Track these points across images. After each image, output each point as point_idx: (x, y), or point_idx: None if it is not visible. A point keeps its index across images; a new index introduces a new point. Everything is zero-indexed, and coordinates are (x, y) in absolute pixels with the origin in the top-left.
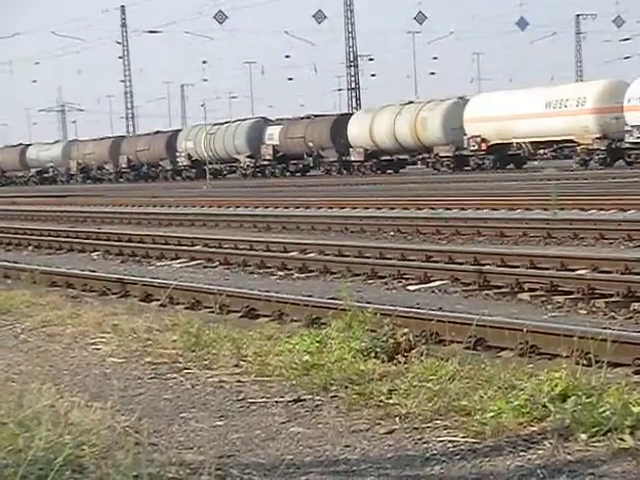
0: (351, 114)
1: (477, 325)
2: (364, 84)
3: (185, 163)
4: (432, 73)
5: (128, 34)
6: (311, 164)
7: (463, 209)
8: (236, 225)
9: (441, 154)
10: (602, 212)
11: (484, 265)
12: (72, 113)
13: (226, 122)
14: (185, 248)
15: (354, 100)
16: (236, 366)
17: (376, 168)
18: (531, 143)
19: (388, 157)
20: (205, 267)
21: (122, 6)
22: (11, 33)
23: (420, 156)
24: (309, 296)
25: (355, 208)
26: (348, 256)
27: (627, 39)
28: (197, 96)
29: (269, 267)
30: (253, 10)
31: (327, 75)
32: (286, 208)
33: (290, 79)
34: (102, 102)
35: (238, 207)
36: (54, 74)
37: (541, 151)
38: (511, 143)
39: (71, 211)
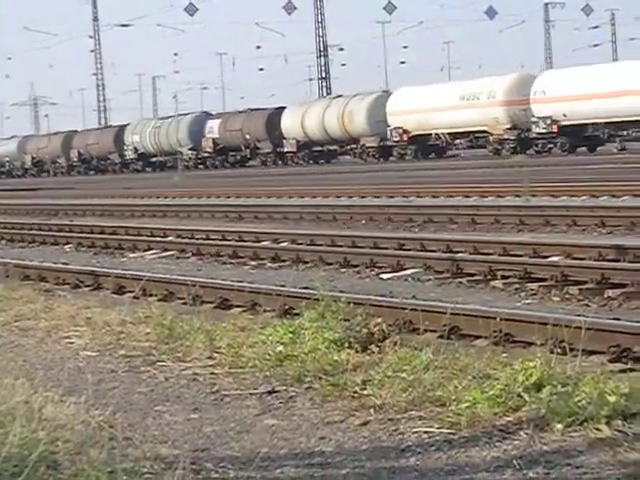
0: (285, 107)
1: (451, 314)
2: (335, 74)
3: (132, 156)
4: (402, 62)
5: (100, 28)
6: (248, 155)
7: (435, 197)
8: (208, 215)
9: (367, 145)
10: (574, 199)
11: (457, 253)
12: (45, 107)
13: (170, 116)
14: (158, 239)
15: (325, 90)
16: (210, 358)
17: (308, 158)
18: (449, 134)
19: (319, 148)
20: (178, 258)
21: (94, 0)
22: None
23: (348, 147)
24: (282, 286)
25: (327, 197)
26: (320, 245)
27: (596, 27)
28: (169, 88)
29: (242, 257)
30: (223, 2)
31: (298, 65)
32: (258, 198)
33: (261, 70)
34: (74, 96)
35: (209, 197)
36: (27, 69)
37: (457, 141)
38: (430, 134)
39: (43, 204)
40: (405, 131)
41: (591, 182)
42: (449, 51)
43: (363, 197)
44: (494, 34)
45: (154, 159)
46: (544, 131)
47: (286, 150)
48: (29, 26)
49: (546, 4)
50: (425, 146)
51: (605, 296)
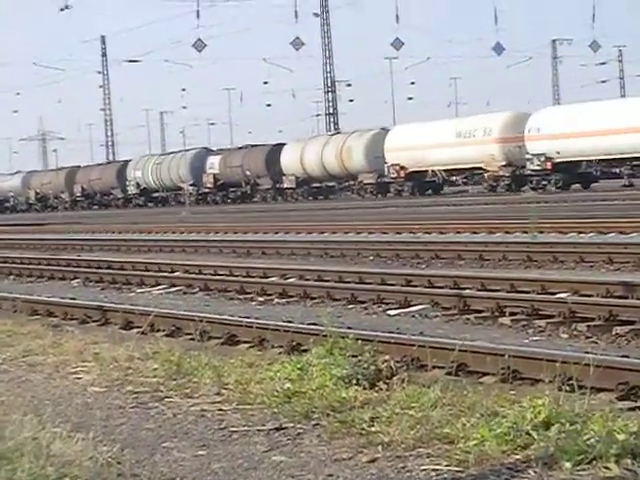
0: (284, 144)
1: (458, 350)
2: (342, 109)
3: (134, 191)
4: (410, 98)
5: (108, 63)
6: (248, 192)
7: (442, 233)
8: (215, 251)
9: (365, 181)
10: (582, 235)
11: (464, 289)
12: (53, 142)
13: (171, 152)
14: (165, 274)
15: (332, 125)
16: (217, 394)
17: (307, 194)
18: (445, 170)
19: (318, 184)
20: (185, 293)
21: (102, 36)
22: None
23: (346, 183)
24: (290, 322)
25: (335, 233)
26: (328, 281)
27: (603, 63)
28: (177, 123)
29: (249, 293)
30: (231, 38)
31: (305, 101)
32: (265, 233)
33: (269, 105)
34: (82, 130)
35: (217, 233)
36: (35, 104)
37: (454, 178)
38: (427, 171)
39: (51, 239)
40: (402, 168)
41: (599, 219)
42: (456, 87)
43: (371, 233)
44: (501, 70)
45: (156, 194)
46: (538, 168)
47: (285, 186)
48: (38, 61)
49: (554, 40)
50: (422, 183)
51: (613, 333)
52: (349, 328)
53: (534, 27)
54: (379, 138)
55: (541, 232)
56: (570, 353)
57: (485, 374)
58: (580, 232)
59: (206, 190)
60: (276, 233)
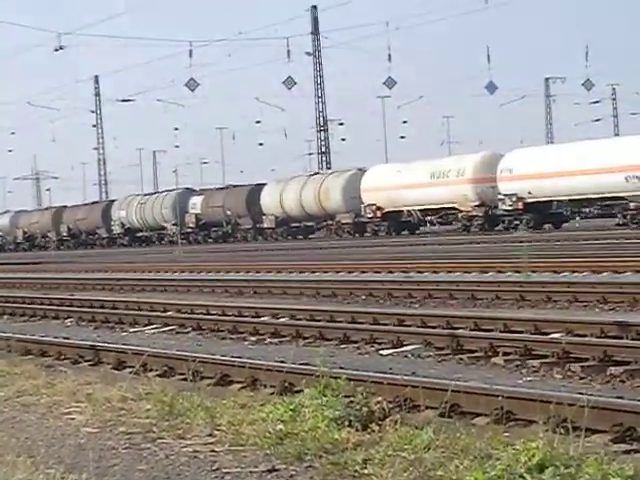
0: (264, 184)
1: (451, 391)
2: (334, 148)
3: (119, 231)
4: (402, 137)
5: (102, 103)
6: (230, 231)
7: (435, 272)
8: (208, 290)
9: (343, 221)
10: (575, 274)
11: (457, 329)
12: (47, 181)
13: (156, 193)
14: (158, 314)
15: (324, 164)
16: (210, 435)
17: (286, 234)
18: (420, 210)
19: (297, 224)
20: (178, 333)
21: (96, 76)
22: None
23: (324, 223)
24: (282, 362)
25: (326, 272)
26: (320, 321)
27: (597, 102)
28: (169, 162)
29: (241, 332)
30: (224, 77)
31: (298, 140)
32: (257, 272)
33: (261, 144)
34: (76, 169)
35: (209, 272)
36: (29, 143)
37: (428, 218)
38: (402, 211)
39: (44, 278)
40: (378, 208)
41: (593, 258)
42: (449, 125)
43: (363, 272)
44: (495, 108)
45: (140, 234)
46: (510, 208)
47: (265, 226)
48: (32, 101)
49: (547, 79)
50: (398, 222)
51: (608, 374)
52: (341, 368)
53: (527, 66)
54: (356, 179)
55: (534, 271)
56: (564, 394)
57: (478, 415)
58: (574, 271)
59: (188, 230)
60: (268, 272)
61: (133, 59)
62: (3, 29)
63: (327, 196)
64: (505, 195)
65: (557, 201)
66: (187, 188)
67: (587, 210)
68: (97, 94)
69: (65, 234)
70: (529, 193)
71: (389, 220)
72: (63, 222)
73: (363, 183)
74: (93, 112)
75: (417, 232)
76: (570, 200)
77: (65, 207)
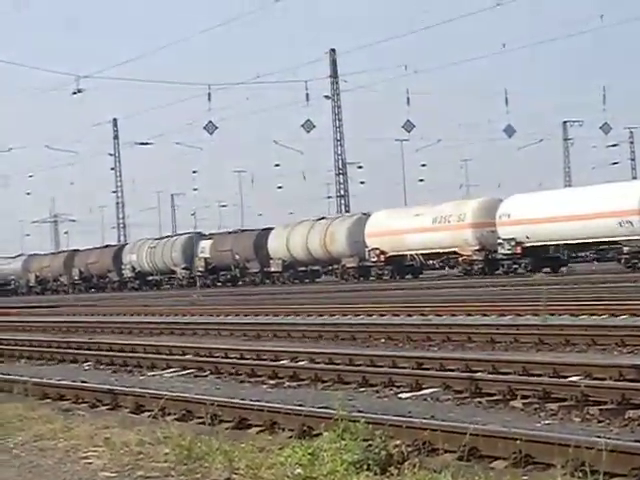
0: (272, 229)
1: (470, 434)
2: (353, 191)
3: (130, 275)
4: (421, 180)
5: (120, 146)
6: (238, 275)
7: (453, 315)
8: (226, 334)
9: (347, 265)
10: (594, 317)
11: (476, 372)
12: (65, 224)
13: (166, 237)
14: (176, 357)
15: (343, 207)
16: (228, 479)
17: (293, 278)
18: (422, 255)
19: (303, 268)
20: (196, 376)
21: (114, 119)
22: (6, 148)
23: (330, 267)
24: (301, 405)
25: (345, 315)
26: (339, 364)
27: (614, 145)
28: (188, 205)
29: (260, 376)
30: (242, 120)
31: (316, 183)
32: (276, 316)
33: (279, 187)
34: (94, 212)
35: (228, 315)
36: (48, 186)
37: (431, 262)
38: (405, 255)
39: (62, 321)
40: (382, 252)
41: (611, 301)
42: (467, 169)
43: (382, 315)
44: (512, 152)
45: (150, 278)
46: (509, 252)
47: (273, 270)
48: (50, 144)
49: (564, 122)
50: (401, 266)
51: (626, 417)
52: (360, 412)
53: (544, 109)
54: (360, 223)
55: (552, 314)
56: (583, 437)
57: (497, 458)
58: (592, 314)
59: (198, 274)
60: (287, 315)
61: (151, 102)
62: (22, 72)
63: (332, 240)
64: (504, 239)
65: (554, 245)
66: (197, 232)
67: (583, 254)
68: (116, 137)
69: (77, 278)
70: (527, 237)
71: (393, 264)
72: (75, 266)
73: (367, 228)
74: (111, 155)
75: (420, 275)
76: (566, 244)
77: (77, 251)
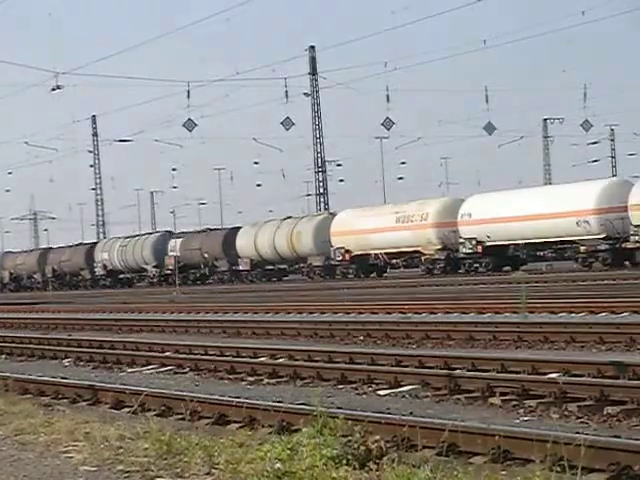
0: (240, 228)
1: (449, 430)
2: (332, 189)
3: (101, 273)
4: (400, 178)
5: (99, 143)
6: (207, 273)
7: (433, 313)
8: (206, 331)
9: (314, 264)
10: (572, 315)
11: (455, 369)
12: (44, 221)
13: (137, 235)
14: (156, 354)
15: (323, 205)
16: (208, 474)
17: (261, 276)
18: (386, 254)
19: (271, 266)
20: (176, 373)
21: (93, 116)
22: None
23: (296, 265)
24: (280, 402)
25: (324, 313)
26: (318, 361)
27: (595, 142)
28: (167, 202)
29: (239, 373)
30: (222, 117)
31: (296, 180)
32: (255, 313)
33: (259, 185)
34: (74, 210)
35: (207, 313)
36: (27, 183)
37: (394, 261)
38: (370, 254)
39: (42, 318)
40: (347, 251)
41: (590, 298)
42: (447, 167)
43: (360, 313)
44: (493, 149)
45: (122, 276)
46: (470, 251)
47: (241, 268)
48: (29, 141)
49: (545, 119)
50: (365, 265)
51: (604, 413)
52: (339, 408)
53: (525, 106)
54: (327, 222)
55: (531, 312)
56: (561, 433)
57: (475, 454)
58: (571, 312)
59: (168, 272)
60: (266, 313)
61: (130, 99)
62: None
63: (299, 240)
64: (465, 239)
65: (513, 244)
66: (167, 231)
67: (542, 253)
68: (95, 134)
69: (50, 275)
70: (487, 237)
71: (357, 263)
72: (48, 263)
73: (332, 227)
74: (91, 152)
75: (385, 275)
76: (525, 244)
77: (50, 249)
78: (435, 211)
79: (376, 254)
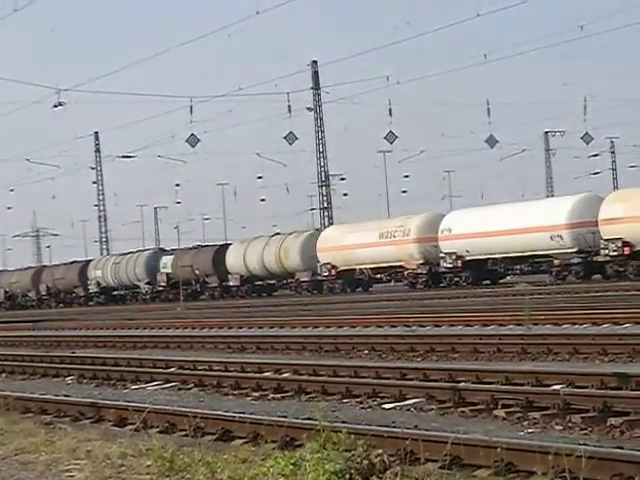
0: (230, 244)
1: (452, 443)
2: (336, 203)
3: (95, 290)
4: (404, 191)
5: (102, 159)
6: (198, 289)
7: (437, 326)
8: (210, 346)
9: (301, 279)
10: (576, 326)
11: (459, 382)
12: (46, 238)
13: (129, 253)
14: (160, 370)
15: (327, 219)
16: None
17: (250, 292)
18: (371, 269)
19: (260, 282)
20: (180, 389)
21: (96, 132)
22: None
23: (284, 281)
24: (284, 417)
25: (329, 327)
26: (323, 375)
27: (596, 155)
28: (171, 218)
29: (244, 388)
30: (225, 133)
31: (299, 195)
32: (260, 328)
33: (263, 200)
34: (76, 226)
35: (212, 328)
36: (29, 200)
37: (378, 275)
38: (355, 269)
39: (45, 335)
40: (333, 266)
41: (593, 310)
42: (450, 180)
43: (366, 327)
44: (495, 162)
45: (115, 293)
46: (450, 265)
47: (231, 284)
48: (31, 158)
49: (546, 132)
50: (352, 280)
51: (608, 424)
52: (344, 422)
53: (526, 119)
54: (313, 239)
55: (535, 324)
56: (562, 445)
57: (479, 467)
58: (574, 323)
59: (160, 288)
60: (271, 328)
61: (133, 115)
62: (1, 85)
63: (287, 255)
64: (446, 253)
65: (491, 259)
66: (159, 248)
67: (519, 267)
68: (97, 150)
69: (44, 293)
70: (467, 251)
71: (343, 278)
72: (42, 282)
73: (319, 243)
74: (93, 169)
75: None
76: (503, 258)
77: (44, 267)
78: (417, 227)
79: (361, 269)
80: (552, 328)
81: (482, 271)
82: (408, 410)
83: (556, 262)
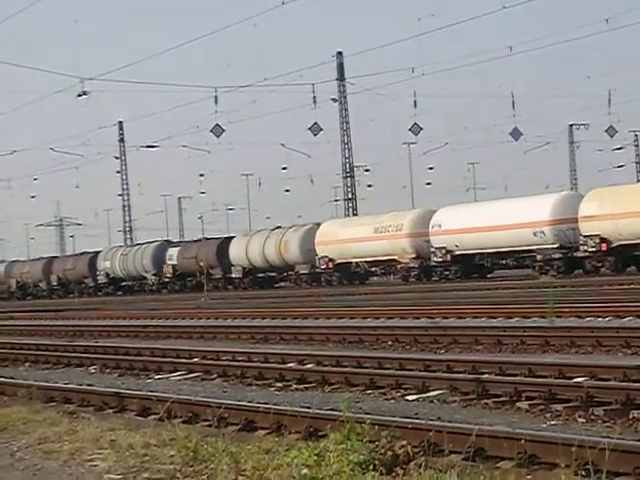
0: (234, 237)
1: (476, 435)
2: (361, 194)
3: (104, 280)
4: (428, 183)
5: (126, 149)
6: (203, 281)
7: (461, 317)
8: (234, 337)
9: (301, 271)
10: (599, 319)
11: (482, 374)
12: (70, 227)
13: (137, 244)
14: (183, 361)
15: (351, 211)
16: None
17: (253, 284)
18: (366, 262)
19: (261, 274)
20: (203, 379)
21: (120, 122)
22: (10, 150)
23: (285, 273)
24: (308, 408)
25: (353, 318)
26: (346, 367)
27: (620, 148)
28: (195, 208)
29: (267, 378)
30: (250, 123)
31: (324, 186)
32: (284, 319)
33: (287, 191)
34: (100, 216)
35: (235, 319)
36: (52, 189)
37: (373, 268)
38: (351, 262)
39: (68, 325)
40: (330, 259)
41: (616, 303)
42: (474, 172)
43: (390, 318)
44: (519, 155)
45: (123, 283)
46: (440, 260)
47: (234, 276)
48: (55, 147)
49: (571, 125)
50: (348, 273)
51: (630, 417)
52: (367, 413)
53: (551, 112)
54: (312, 232)
55: (559, 316)
56: (586, 437)
57: (502, 459)
58: (598, 316)
59: (166, 279)
60: (294, 319)
61: (158, 105)
62: (26, 74)
63: (287, 248)
64: (436, 248)
65: (479, 253)
66: (166, 240)
67: (504, 262)
68: (121, 140)
69: (55, 283)
70: (456, 246)
71: (340, 271)
72: (53, 272)
73: (317, 237)
74: (117, 158)
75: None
76: (489, 253)
77: (55, 257)
78: (409, 222)
79: (357, 262)
80: (576, 321)
81: (470, 265)
82: (431, 402)
83: (538, 257)
